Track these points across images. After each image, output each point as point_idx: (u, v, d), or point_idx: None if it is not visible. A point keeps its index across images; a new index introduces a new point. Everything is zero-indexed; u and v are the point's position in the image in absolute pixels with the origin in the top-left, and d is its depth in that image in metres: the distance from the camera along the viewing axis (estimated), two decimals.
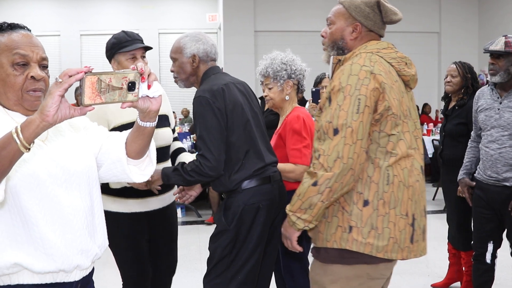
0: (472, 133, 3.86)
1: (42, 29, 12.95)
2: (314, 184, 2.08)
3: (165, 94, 3.14)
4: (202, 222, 7.00)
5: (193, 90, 3.04)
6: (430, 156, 9.29)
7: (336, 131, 2.07)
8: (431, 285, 4.55)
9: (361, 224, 2.11)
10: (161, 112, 3.00)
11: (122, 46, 2.91)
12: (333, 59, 2.30)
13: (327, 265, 2.19)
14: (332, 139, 2.07)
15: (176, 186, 3.07)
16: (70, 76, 1.38)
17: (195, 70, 2.83)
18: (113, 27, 13.58)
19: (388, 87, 2.12)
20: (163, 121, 3.02)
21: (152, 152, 1.88)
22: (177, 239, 3.23)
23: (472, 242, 4.03)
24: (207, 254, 2.78)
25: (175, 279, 3.25)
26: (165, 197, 3.06)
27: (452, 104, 4.30)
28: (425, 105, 12.51)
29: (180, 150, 3.22)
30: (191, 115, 12.50)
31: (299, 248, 2.30)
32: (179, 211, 7.34)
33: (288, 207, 2.20)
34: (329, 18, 2.34)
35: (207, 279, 2.75)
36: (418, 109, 11.94)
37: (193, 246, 5.83)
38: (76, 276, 1.77)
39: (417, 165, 2.22)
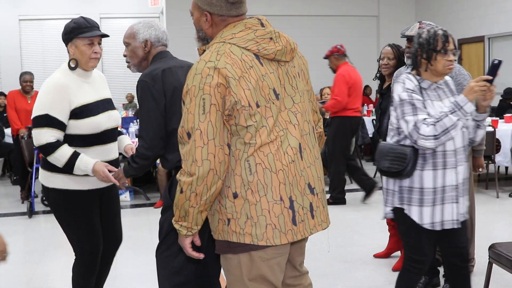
0: None
1: None
2: (181, 191, 2.11)
3: (105, 79, 3.33)
4: (151, 205, 7.09)
5: (134, 75, 3.17)
6: (370, 136, 9.63)
7: (189, 135, 2.08)
8: (374, 255, 4.80)
9: (236, 215, 2.12)
10: (108, 96, 3.22)
11: (82, 31, 3.03)
12: (198, 51, 2.31)
13: (223, 254, 2.24)
14: (188, 143, 2.09)
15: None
16: None
17: (147, 55, 2.97)
18: (54, 12, 13.37)
19: (233, 80, 2.07)
20: (111, 104, 3.23)
21: None
22: (120, 214, 3.42)
23: None
24: (157, 234, 2.93)
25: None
26: None
27: (387, 83, 4.54)
28: (366, 87, 12.81)
29: (119, 133, 3.41)
30: (135, 100, 12.46)
31: (195, 255, 2.27)
32: (127, 194, 7.40)
33: (173, 218, 2.23)
34: (190, 9, 2.33)
35: (158, 252, 2.92)
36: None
37: (144, 227, 5.94)
38: None
39: (293, 143, 2.18)
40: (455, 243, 3.02)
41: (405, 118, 2.84)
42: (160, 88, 2.78)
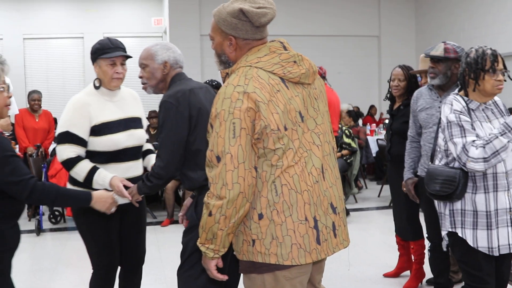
0: (411, 133, 4.06)
1: None
2: (210, 214, 2.13)
3: (138, 98, 3.37)
4: (157, 223, 7.10)
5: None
6: (374, 155, 9.68)
7: (218, 159, 2.10)
8: (383, 275, 4.82)
9: (261, 236, 2.15)
10: (135, 115, 3.28)
11: (104, 52, 3.12)
12: (221, 73, 2.34)
13: (247, 274, 2.26)
14: (217, 166, 2.10)
15: None
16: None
17: (165, 76, 3.01)
18: (57, 31, 13.47)
19: (263, 104, 2.10)
20: (137, 123, 3.29)
21: None
22: (146, 231, 3.47)
23: (421, 232, 4.30)
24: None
25: None
26: None
27: (397, 104, 4.56)
28: (372, 107, 12.93)
29: (148, 152, 3.45)
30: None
31: (220, 276, 2.28)
32: None
33: (198, 240, 2.24)
34: (209, 33, 2.35)
35: (180, 271, 2.94)
36: (359, 110, 12.35)
37: (152, 246, 5.90)
38: None
39: (317, 164, 2.22)
40: (503, 270, 2.96)
41: (453, 140, 2.81)
42: (185, 110, 2.82)
